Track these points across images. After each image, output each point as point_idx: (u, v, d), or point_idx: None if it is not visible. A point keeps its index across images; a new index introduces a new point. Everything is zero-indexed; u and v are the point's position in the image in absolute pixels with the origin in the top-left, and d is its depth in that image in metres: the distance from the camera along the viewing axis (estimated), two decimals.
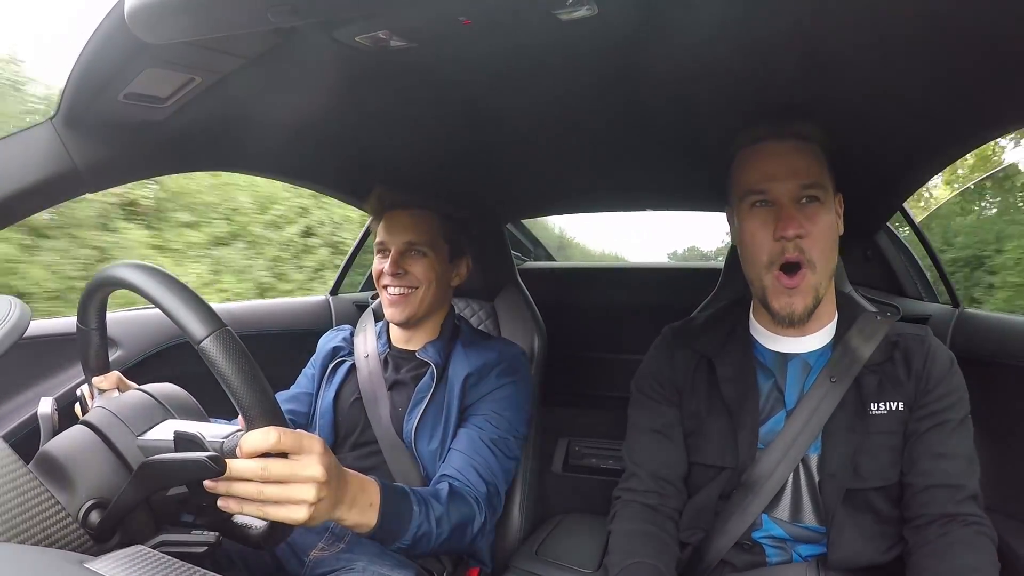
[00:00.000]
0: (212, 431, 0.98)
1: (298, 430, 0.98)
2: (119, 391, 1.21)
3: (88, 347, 1.19)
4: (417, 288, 1.79)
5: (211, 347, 0.90)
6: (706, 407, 1.50)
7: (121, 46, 1.07)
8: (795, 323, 1.42)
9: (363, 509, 1.19)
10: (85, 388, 1.26)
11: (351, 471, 1.16)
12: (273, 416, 0.94)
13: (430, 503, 1.41)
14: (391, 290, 1.79)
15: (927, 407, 1.37)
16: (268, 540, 1.03)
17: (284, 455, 0.96)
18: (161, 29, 0.96)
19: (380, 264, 1.82)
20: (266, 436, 0.93)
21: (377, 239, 1.86)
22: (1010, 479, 1.75)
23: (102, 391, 1.21)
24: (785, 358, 1.49)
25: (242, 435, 0.95)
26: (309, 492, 0.99)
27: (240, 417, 0.94)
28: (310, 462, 0.99)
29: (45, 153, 1.26)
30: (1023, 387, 1.71)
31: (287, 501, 0.98)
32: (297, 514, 0.98)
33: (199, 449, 0.94)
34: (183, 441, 0.96)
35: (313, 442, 1.00)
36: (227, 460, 0.93)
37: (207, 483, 0.96)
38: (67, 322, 1.73)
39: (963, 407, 1.39)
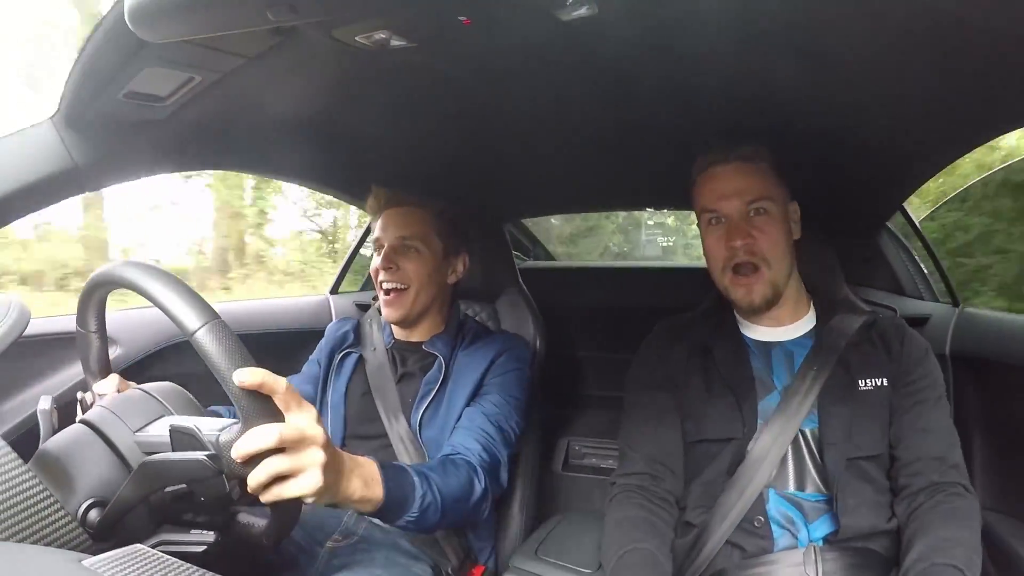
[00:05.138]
0: (208, 424, 0.98)
1: (298, 424, 0.98)
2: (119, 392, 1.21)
3: (88, 350, 1.19)
4: (409, 287, 1.81)
5: (204, 338, 0.90)
6: (706, 389, 1.59)
7: (121, 45, 1.07)
8: (757, 309, 1.57)
9: (367, 483, 1.19)
10: (87, 394, 1.25)
11: (346, 453, 1.16)
12: (267, 407, 0.94)
13: (426, 473, 1.41)
14: (385, 286, 1.81)
15: (908, 386, 1.51)
16: (272, 536, 1.03)
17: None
18: (161, 28, 0.96)
19: (376, 261, 1.84)
20: (267, 437, 0.92)
21: (373, 236, 1.90)
22: (1009, 478, 1.75)
23: (102, 396, 1.21)
24: (768, 346, 1.62)
25: (238, 427, 0.94)
26: (315, 477, 0.99)
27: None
28: (312, 452, 0.99)
29: (45, 152, 1.26)
30: (1023, 386, 1.70)
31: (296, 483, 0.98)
32: (310, 486, 0.99)
33: (195, 442, 0.95)
34: (178, 434, 0.96)
35: (315, 432, 1.00)
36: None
37: None
38: (66, 321, 1.73)
39: (940, 387, 1.54)
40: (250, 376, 0.91)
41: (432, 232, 1.85)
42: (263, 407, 0.93)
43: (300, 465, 0.97)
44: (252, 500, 1.00)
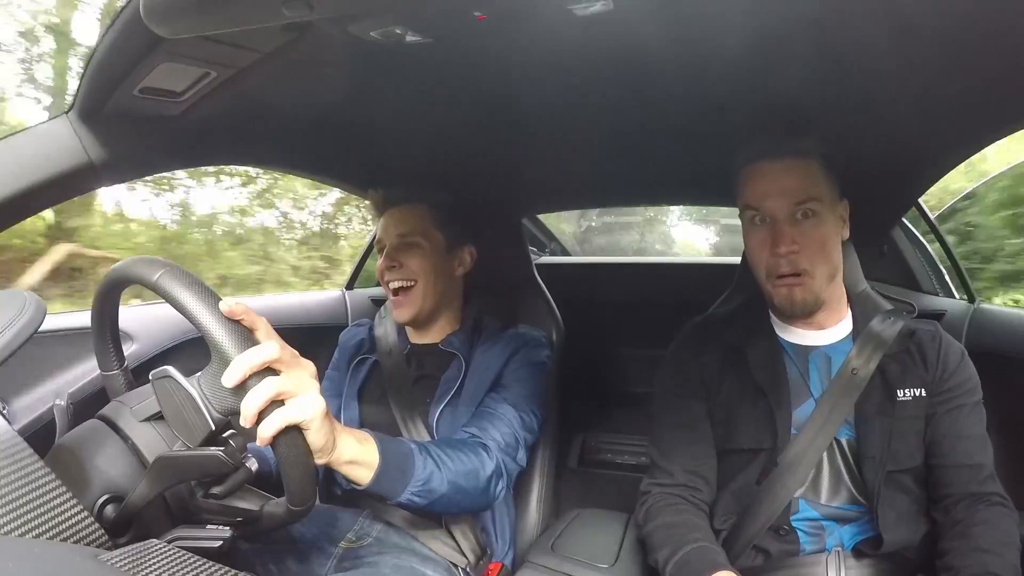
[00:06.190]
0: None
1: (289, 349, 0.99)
2: None
3: (118, 392, 1.19)
4: (416, 282, 1.80)
5: (166, 282, 0.91)
6: (738, 395, 1.54)
7: (137, 40, 1.06)
8: (796, 314, 1.51)
9: (361, 441, 1.19)
10: None
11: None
12: (250, 338, 0.94)
13: (425, 444, 1.40)
14: (392, 285, 1.81)
15: (945, 393, 1.46)
16: (295, 498, 1.01)
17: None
18: (176, 23, 0.96)
19: (380, 263, 1.85)
20: (266, 349, 0.92)
21: (376, 239, 1.91)
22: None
23: None
24: (807, 350, 1.55)
25: (215, 366, 0.94)
26: (314, 398, 0.98)
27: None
28: (308, 377, 0.99)
29: (60, 147, 1.26)
30: None
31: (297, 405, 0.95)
32: (312, 407, 0.97)
33: (175, 384, 0.95)
34: (159, 382, 0.98)
35: (308, 362, 1.02)
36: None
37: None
38: (82, 316, 1.74)
39: (977, 392, 1.49)
40: (235, 305, 0.92)
41: (431, 226, 1.85)
42: (247, 337, 0.93)
43: (298, 383, 0.96)
44: (266, 471, 1.01)
